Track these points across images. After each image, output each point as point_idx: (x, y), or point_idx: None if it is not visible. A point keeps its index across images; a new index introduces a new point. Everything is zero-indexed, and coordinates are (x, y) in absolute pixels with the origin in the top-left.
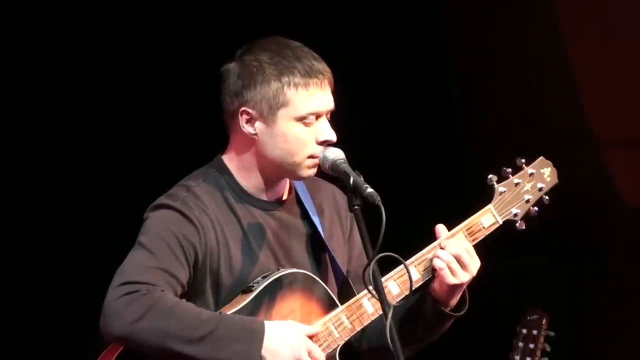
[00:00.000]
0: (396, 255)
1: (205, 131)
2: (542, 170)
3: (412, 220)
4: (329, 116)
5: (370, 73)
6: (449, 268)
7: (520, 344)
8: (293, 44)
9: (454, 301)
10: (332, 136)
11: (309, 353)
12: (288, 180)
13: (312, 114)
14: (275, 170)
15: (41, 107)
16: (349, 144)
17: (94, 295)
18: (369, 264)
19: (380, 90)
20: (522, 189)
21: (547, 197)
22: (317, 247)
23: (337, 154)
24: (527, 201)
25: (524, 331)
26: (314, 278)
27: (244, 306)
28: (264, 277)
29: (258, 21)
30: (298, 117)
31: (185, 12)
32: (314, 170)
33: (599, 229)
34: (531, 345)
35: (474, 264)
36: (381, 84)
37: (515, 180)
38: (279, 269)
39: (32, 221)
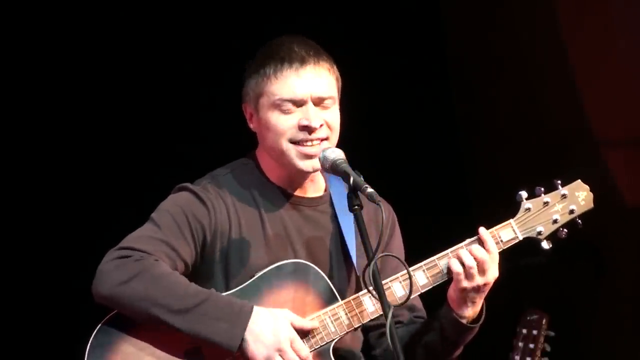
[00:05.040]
0: (397, 257)
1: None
2: (576, 194)
3: (412, 220)
4: (326, 105)
5: (370, 73)
6: (465, 272)
7: (520, 344)
8: (291, 38)
9: (469, 312)
10: (314, 122)
11: (291, 343)
12: (320, 179)
13: (284, 100)
14: (280, 163)
15: (44, 107)
16: (349, 144)
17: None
18: (368, 264)
19: (380, 91)
20: (551, 209)
21: (580, 221)
22: (341, 249)
23: (337, 154)
24: (555, 221)
25: (524, 331)
26: (316, 270)
27: (240, 289)
28: (268, 266)
29: (257, 21)
30: (273, 105)
31: (211, 11)
32: (311, 163)
33: (598, 229)
34: (531, 345)
35: (491, 272)
36: (381, 84)
37: (545, 199)
38: (283, 259)
39: (34, 221)
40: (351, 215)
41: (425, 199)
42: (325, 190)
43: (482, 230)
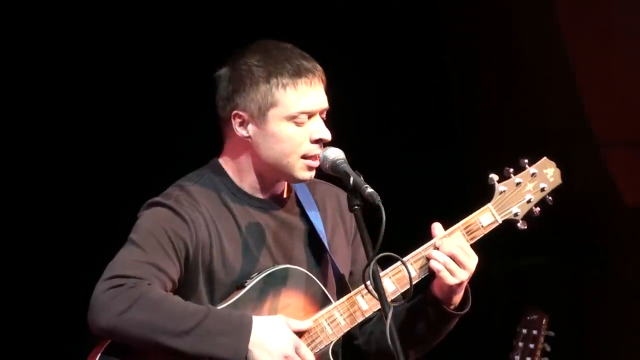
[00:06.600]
0: (396, 255)
1: (200, 135)
2: (545, 171)
3: (412, 220)
4: (324, 116)
5: (370, 72)
6: (447, 269)
7: (520, 344)
8: (282, 45)
9: (457, 299)
10: (327, 135)
11: (297, 350)
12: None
13: (302, 112)
14: (272, 172)
15: (38, 107)
16: (349, 144)
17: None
18: (368, 264)
19: (380, 90)
20: (524, 189)
21: (550, 198)
22: (317, 247)
23: (337, 154)
24: (529, 201)
25: (524, 331)
26: (308, 274)
27: (235, 300)
28: (259, 273)
29: (255, 21)
30: (288, 117)
31: (181, 16)
32: (311, 174)
33: (598, 229)
34: (531, 345)
35: (472, 261)
36: (380, 83)
37: (517, 180)
38: (274, 265)
39: (31, 221)
40: (317, 211)
41: (425, 199)
42: (291, 191)
43: (435, 224)
